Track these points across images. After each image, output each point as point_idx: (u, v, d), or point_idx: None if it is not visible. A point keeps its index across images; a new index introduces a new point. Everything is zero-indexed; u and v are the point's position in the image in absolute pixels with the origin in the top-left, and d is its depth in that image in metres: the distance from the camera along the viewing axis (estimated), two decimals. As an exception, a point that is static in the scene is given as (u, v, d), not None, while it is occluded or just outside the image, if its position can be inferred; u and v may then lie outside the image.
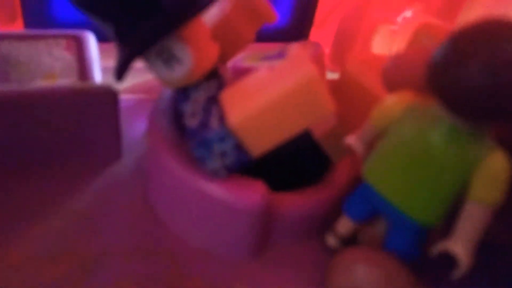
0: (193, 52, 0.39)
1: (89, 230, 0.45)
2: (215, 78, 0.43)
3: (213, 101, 0.41)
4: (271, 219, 0.43)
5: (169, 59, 0.39)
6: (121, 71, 0.37)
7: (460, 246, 0.35)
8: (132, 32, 0.36)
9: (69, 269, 0.40)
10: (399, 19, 0.85)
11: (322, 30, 0.89)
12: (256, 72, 0.41)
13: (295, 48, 0.42)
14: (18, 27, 0.62)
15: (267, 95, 0.37)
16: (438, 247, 0.36)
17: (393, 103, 0.40)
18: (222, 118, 0.39)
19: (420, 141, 0.37)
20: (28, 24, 0.62)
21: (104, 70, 0.57)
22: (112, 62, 0.58)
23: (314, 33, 0.88)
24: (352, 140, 0.43)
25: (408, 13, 0.85)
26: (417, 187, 0.38)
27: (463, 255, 0.35)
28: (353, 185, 0.49)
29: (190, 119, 0.40)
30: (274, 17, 0.51)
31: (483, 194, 0.35)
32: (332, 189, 0.47)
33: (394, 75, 0.44)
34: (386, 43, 0.86)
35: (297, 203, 0.45)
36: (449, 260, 0.36)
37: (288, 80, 0.37)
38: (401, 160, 0.38)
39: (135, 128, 0.59)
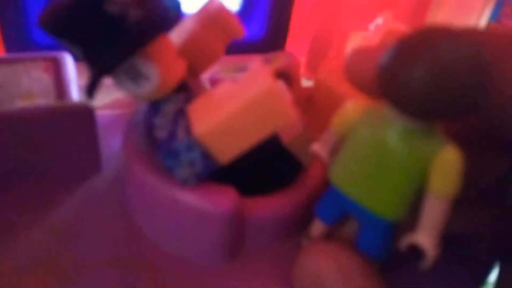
0: (160, 69, 0.42)
1: (68, 242, 0.47)
2: (184, 91, 0.46)
3: (181, 113, 0.43)
4: (244, 223, 0.45)
5: (137, 76, 0.41)
6: (91, 90, 0.40)
7: (425, 238, 0.37)
8: (99, 53, 0.38)
9: (47, 281, 0.42)
10: (371, 26, 0.88)
11: (297, 39, 0.92)
12: (220, 85, 0.44)
13: (256, 62, 0.45)
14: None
15: (228, 105, 0.40)
16: (405, 241, 0.38)
17: (350, 110, 0.42)
18: (188, 129, 0.41)
19: (376, 142, 0.39)
20: (8, 47, 0.64)
21: (82, 88, 0.59)
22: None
23: (290, 43, 0.91)
24: (317, 147, 0.46)
25: (379, 20, 0.88)
26: (378, 186, 0.40)
27: (429, 246, 0.37)
28: (325, 188, 0.51)
29: (159, 131, 0.43)
30: (242, 32, 0.53)
31: (441, 186, 0.37)
32: (303, 191, 0.50)
33: (355, 70, 0.46)
34: (358, 49, 0.89)
35: (268, 207, 0.47)
36: (415, 253, 0.38)
37: (248, 91, 0.39)
38: (362, 161, 0.41)
39: (113, 142, 0.61)
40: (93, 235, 0.48)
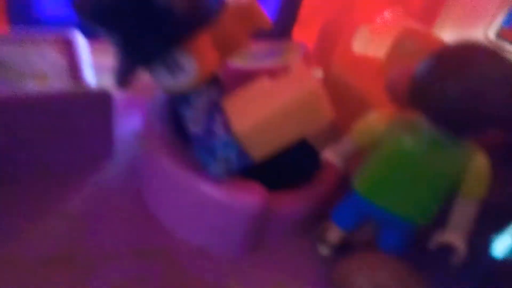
0: (197, 60, 0.40)
1: (84, 231, 0.45)
2: (215, 84, 0.44)
3: (216, 107, 0.42)
4: (268, 218, 0.45)
5: (173, 67, 0.39)
6: (124, 79, 0.38)
7: (457, 237, 0.40)
8: (140, 43, 0.36)
9: (66, 272, 0.41)
10: (378, 19, 0.87)
11: (305, 28, 0.90)
12: (257, 81, 0.42)
13: (296, 60, 0.44)
14: (2, 25, 0.60)
15: (272, 104, 0.39)
16: (438, 240, 0.41)
17: (375, 120, 0.42)
18: (226, 125, 0.40)
19: (407, 153, 0.40)
20: (13, 21, 0.60)
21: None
22: (100, 60, 0.57)
23: (297, 32, 0.89)
24: (329, 155, 0.45)
25: (386, 14, 0.87)
26: (410, 194, 0.41)
27: (461, 245, 0.40)
28: (340, 187, 0.51)
29: (193, 125, 0.41)
30: (269, 24, 0.52)
31: (474, 190, 0.39)
32: (322, 188, 0.49)
33: (396, 88, 0.46)
34: (365, 43, 0.88)
35: (292, 203, 0.47)
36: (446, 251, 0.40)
37: (292, 92, 0.38)
38: (392, 172, 0.42)
39: (123, 127, 0.59)
40: (109, 224, 0.47)
